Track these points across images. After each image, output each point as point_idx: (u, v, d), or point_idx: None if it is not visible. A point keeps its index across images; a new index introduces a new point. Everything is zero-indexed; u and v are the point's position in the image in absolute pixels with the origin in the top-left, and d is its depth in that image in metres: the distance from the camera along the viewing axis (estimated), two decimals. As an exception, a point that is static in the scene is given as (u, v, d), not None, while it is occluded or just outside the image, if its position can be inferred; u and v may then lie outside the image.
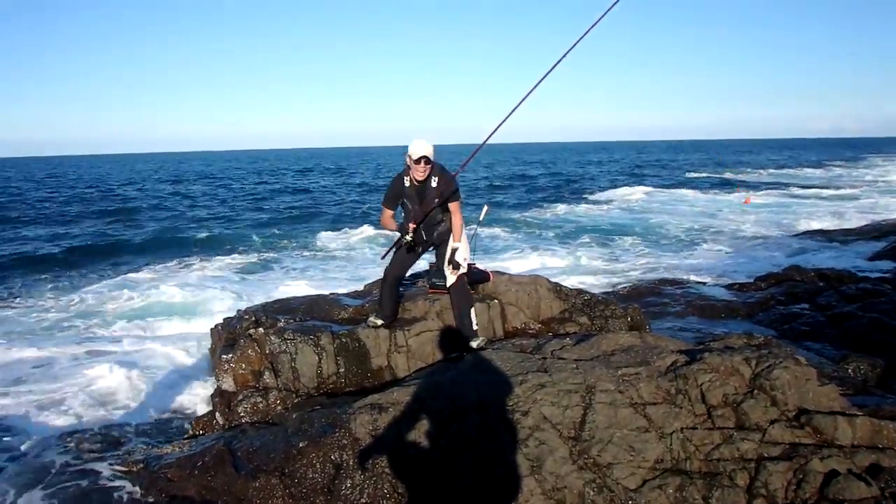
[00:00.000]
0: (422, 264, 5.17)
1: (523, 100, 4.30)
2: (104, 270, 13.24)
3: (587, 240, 15.69)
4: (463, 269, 4.56)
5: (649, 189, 29.27)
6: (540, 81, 4.34)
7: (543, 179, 37.72)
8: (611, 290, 8.40)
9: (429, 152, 4.29)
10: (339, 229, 18.26)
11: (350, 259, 13.97)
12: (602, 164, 54.73)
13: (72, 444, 4.37)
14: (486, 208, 5.20)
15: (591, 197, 27.24)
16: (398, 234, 4.51)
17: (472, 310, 4.63)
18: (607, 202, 25.00)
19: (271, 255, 14.65)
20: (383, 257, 4.65)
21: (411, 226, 4.34)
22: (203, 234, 18.10)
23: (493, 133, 4.31)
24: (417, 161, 4.28)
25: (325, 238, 16.91)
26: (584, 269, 11.57)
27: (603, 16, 4.51)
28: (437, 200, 4.41)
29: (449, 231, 4.54)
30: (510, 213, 21.48)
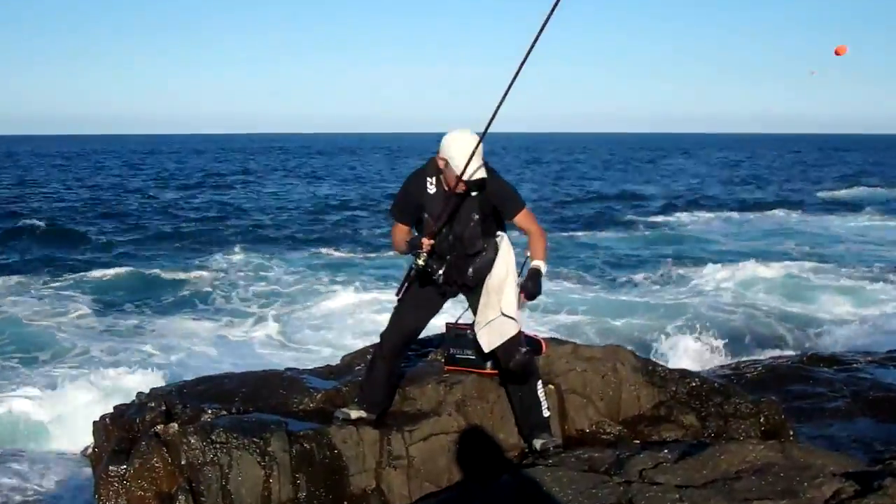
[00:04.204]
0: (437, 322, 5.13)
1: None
2: None
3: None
4: (519, 316, 4.61)
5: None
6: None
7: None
8: (731, 371, 8.30)
9: (479, 153, 4.30)
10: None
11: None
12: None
13: None
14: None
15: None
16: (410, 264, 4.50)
17: (541, 384, 4.71)
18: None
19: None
20: (399, 294, 4.60)
21: (426, 241, 4.35)
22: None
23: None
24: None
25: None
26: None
27: None
28: (476, 217, 4.45)
29: (491, 265, 4.60)
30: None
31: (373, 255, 20.59)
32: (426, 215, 4.51)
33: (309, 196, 38.00)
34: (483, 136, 4.32)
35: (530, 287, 4.52)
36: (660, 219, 29.28)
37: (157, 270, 18.15)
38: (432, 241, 4.39)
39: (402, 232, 4.62)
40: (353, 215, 30.34)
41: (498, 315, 4.59)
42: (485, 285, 4.62)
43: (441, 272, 4.54)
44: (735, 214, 30.54)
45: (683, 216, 30.04)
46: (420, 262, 4.36)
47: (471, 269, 4.58)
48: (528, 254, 4.64)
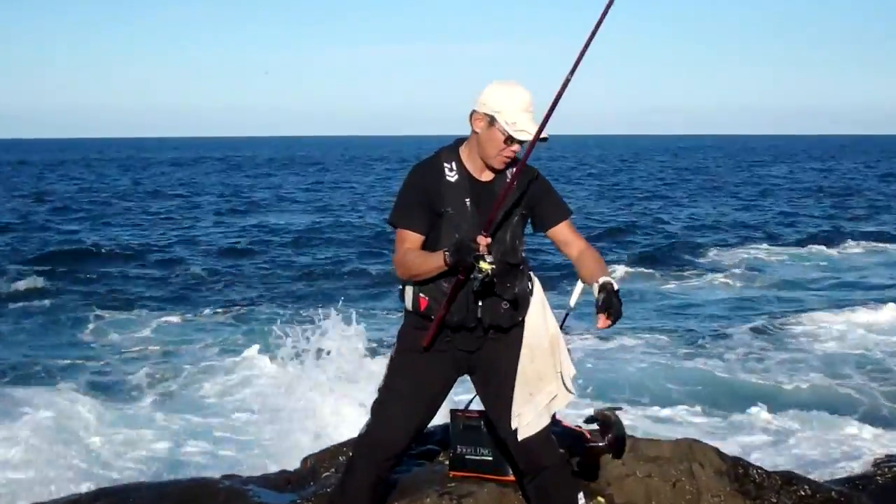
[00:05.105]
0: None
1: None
2: None
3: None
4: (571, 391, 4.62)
5: None
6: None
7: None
8: (854, 473, 8.44)
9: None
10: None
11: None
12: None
13: None
14: (581, 284, 5.27)
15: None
16: (426, 296, 4.48)
17: (581, 497, 4.69)
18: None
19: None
20: (427, 346, 4.54)
21: (483, 239, 4.21)
22: None
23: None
24: (515, 131, 4.34)
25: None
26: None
27: None
28: (521, 212, 4.58)
29: (527, 299, 4.62)
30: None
31: (345, 309, 20.42)
32: (448, 210, 4.48)
33: (245, 228, 38.33)
34: (537, 136, 4.31)
35: (616, 304, 4.31)
36: (755, 253, 29.50)
37: (28, 334, 18.37)
38: (489, 239, 4.26)
39: (412, 243, 4.53)
40: (312, 252, 30.21)
41: (558, 387, 4.58)
42: (525, 339, 4.56)
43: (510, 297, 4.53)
44: (864, 248, 30.70)
45: (791, 251, 30.32)
46: (487, 265, 4.15)
47: (516, 288, 4.54)
48: (584, 273, 4.56)
